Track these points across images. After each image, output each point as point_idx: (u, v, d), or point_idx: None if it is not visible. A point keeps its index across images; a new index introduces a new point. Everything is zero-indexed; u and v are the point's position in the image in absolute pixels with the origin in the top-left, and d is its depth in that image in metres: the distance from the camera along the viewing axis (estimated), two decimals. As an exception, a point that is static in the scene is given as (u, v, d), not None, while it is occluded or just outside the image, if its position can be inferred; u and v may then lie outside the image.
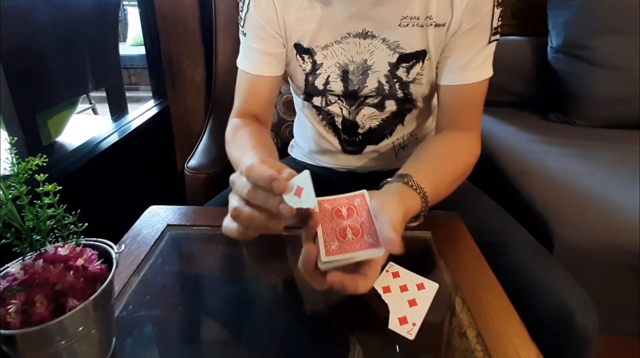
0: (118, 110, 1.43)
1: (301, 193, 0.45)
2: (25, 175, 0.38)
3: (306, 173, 0.47)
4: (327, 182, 0.92)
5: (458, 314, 0.56)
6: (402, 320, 0.53)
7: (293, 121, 1.06)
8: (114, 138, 1.26)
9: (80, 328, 0.41)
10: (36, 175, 0.38)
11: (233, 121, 0.81)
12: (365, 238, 0.48)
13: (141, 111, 1.47)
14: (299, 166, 0.97)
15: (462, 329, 0.54)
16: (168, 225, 0.73)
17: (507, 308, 0.56)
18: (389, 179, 0.62)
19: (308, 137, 0.95)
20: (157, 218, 0.74)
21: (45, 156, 0.39)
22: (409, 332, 0.51)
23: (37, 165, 0.38)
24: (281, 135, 1.36)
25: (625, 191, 1.09)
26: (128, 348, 0.52)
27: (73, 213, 0.40)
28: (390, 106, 0.81)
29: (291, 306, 0.61)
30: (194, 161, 1.24)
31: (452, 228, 0.71)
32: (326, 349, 0.53)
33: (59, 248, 0.39)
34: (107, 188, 1.21)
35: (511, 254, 0.71)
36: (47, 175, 0.39)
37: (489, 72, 0.74)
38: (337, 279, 0.46)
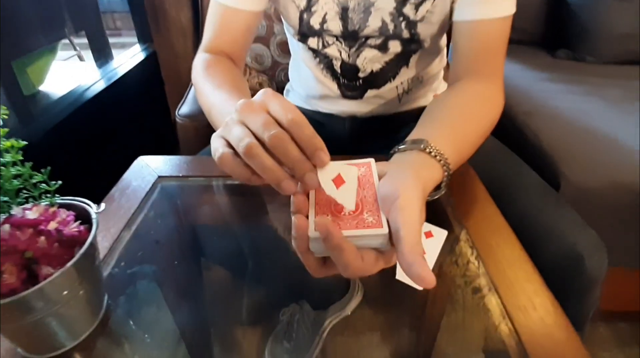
0: (101, 56, 1.35)
1: (341, 185, 0.39)
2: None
3: (355, 170, 0.40)
4: (325, 128, 0.87)
5: (468, 261, 0.54)
6: (409, 272, 0.50)
7: (288, 64, 1.00)
8: (101, 85, 1.20)
9: (66, 292, 0.39)
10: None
11: (203, 55, 0.72)
12: (364, 215, 0.39)
13: (127, 57, 1.39)
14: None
15: (473, 277, 0.52)
16: (159, 177, 0.69)
17: (519, 254, 0.54)
18: (400, 147, 0.52)
19: (304, 81, 0.89)
20: (147, 170, 0.70)
21: (5, 107, 0.34)
22: (416, 283, 0.49)
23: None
24: (276, 79, 1.30)
25: (634, 129, 1.05)
26: (121, 306, 0.50)
27: (42, 170, 0.36)
28: (395, 47, 0.74)
29: (290, 249, 0.58)
30: (185, 108, 1.18)
31: (460, 173, 0.67)
32: (326, 285, 0.51)
33: (27, 211, 0.35)
34: (94, 138, 1.16)
35: (521, 198, 0.68)
36: (7, 130, 0.34)
37: (512, 7, 0.65)
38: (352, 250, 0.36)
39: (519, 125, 1.14)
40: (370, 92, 0.81)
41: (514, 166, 0.76)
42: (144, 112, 1.43)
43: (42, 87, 1.16)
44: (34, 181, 0.36)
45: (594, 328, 1.22)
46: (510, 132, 1.15)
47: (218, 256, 0.58)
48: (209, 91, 0.62)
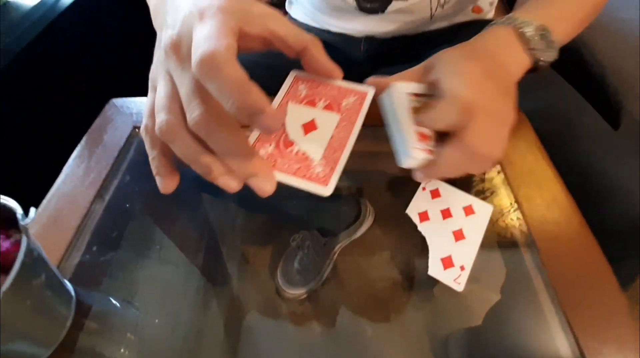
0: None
1: (311, 132, 0.31)
2: None
3: (335, 120, 0.32)
4: (336, 52, 0.72)
5: (518, 243, 0.43)
6: (447, 263, 0.40)
7: (289, -34, 0.81)
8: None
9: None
10: None
11: None
12: (314, 162, 0.29)
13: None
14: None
15: (524, 266, 0.42)
16: (135, 127, 0.56)
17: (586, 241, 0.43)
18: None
19: (311, -11, 0.72)
20: (121, 117, 0.58)
21: None
22: (456, 279, 0.39)
23: None
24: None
25: None
26: (95, 304, 0.41)
27: None
28: None
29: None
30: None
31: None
32: (337, 212, 0.46)
33: None
34: (55, 72, 0.91)
35: (580, 147, 0.55)
36: None
37: None
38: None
39: (575, 42, 0.95)
40: (395, 5, 0.64)
41: (573, 105, 0.61)
42: (128, 34, 1.22)
43: None
44: None
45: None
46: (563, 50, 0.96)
47: (207, 234, 0.49)
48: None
